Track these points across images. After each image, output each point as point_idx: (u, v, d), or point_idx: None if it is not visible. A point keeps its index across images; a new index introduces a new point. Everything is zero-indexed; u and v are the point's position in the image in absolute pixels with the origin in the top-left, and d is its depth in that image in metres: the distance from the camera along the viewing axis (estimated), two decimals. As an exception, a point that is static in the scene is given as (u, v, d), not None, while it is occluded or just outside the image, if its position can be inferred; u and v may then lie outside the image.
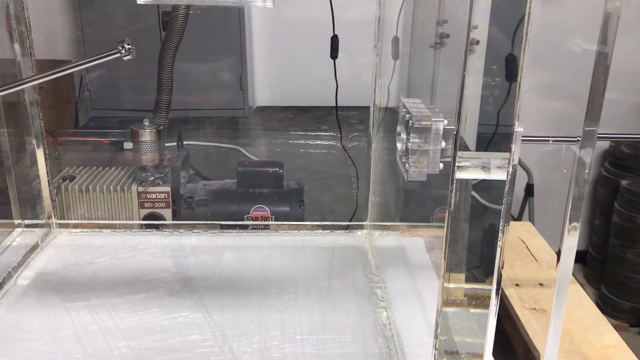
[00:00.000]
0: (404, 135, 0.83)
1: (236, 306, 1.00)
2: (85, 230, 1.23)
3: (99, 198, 1.52)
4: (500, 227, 0.57)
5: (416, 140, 0.79)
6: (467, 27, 0.52)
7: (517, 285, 1.16)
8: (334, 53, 1.30)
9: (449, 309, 0.68)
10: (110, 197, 1.52)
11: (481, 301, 0.84)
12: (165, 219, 1.54)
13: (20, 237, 1.17)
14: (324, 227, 1.29)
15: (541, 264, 1.27)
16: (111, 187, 1.52)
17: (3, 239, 1.14)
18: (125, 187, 1.52)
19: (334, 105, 3.36)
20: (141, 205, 1.53)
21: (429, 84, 1.56)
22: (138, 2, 1.09)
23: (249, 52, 3.32)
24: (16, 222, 1.17)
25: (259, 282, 1.08)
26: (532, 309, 1.08)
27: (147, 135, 1.48)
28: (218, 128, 3.20)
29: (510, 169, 0.55)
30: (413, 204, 1.39)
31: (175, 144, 1.83)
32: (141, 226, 1.32)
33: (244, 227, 1.40)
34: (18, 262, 1.07)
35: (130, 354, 0.87)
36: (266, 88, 3.59)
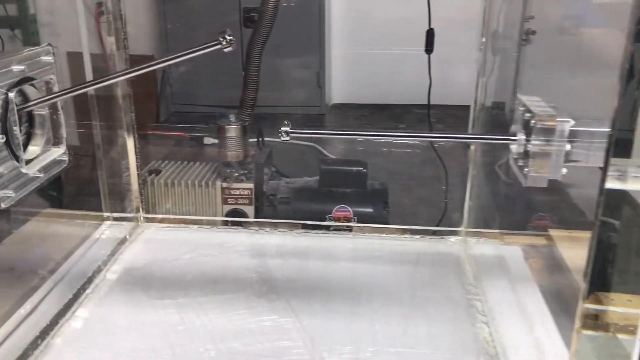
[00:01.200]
0: (521, 136, 0.76)
1: (325, 312, 0.95)
2: (171, 225, 1.22)
3: (183, 193, 1.52)
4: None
5: (538, 142, 0.72)
6: None
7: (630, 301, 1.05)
8: (429, 47, 1.23)
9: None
10: (194, 192, 1.51)
11: (596, 322, 0.76)
12: (248, 216, 1.52)
13: (109, 230, 1.17)
14: (412, 232, 1.22)
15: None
16: (196, 182, 1.51)
17: (92, 232, 1.14)
18: (210, 183, 1.51)
19: (412, 103, 3.26)
20: (224, 201, 1.52)
21: (525, 81, 1.46)
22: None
23: (327, 49, 3.29)
24: (105, 214, 1.18)
25: (348, 287, 1.02)
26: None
27: (232, 131, 1.46)
28: (294, 125, 3.18)
29: (675, 180, 0.47)
30: (510, 210, 1.30)
31: (255, 140, 1.82)
32: (225, 223, 1.30)
33: (326, 228, 1.35)
34: (107, 256, 1.07)
35: (219, 358, 0.83)
36: (342, 85, 3.55)
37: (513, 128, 0.79)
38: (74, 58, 3.37)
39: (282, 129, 0.86)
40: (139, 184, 1.20)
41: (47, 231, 1.25)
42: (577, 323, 0.55)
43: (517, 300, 1.00)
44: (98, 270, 1.04)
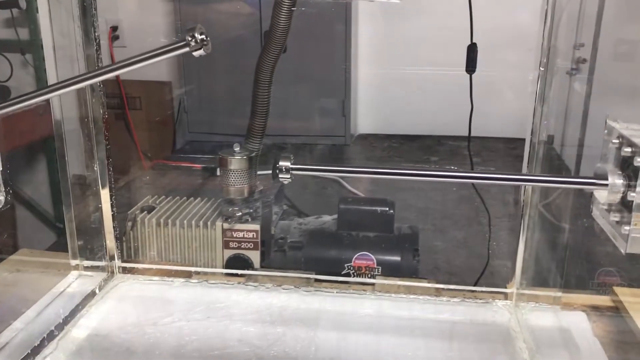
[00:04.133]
0: (618, 181, 0.52)
1: (335, 407, 0.72)
2: (154, 278, 1.00)
3: (178, 234, 1.30)
4: None
5: (650, 191, 0.48)
6: None
7: None
8: (470, 66, 1.01)
9: None
10: (191, 234, 1.30)
11: None
12: (252, 263, 1.30)
13: (76, 281, 0.96)
14: (450, 292, 0.98)
15: None
16: (192, 222, 1.30)
17: (55, 284, 0.93)
18: (209, 223, 1.29)
19: (446, 134, 3.01)
20: (226, 245, 1.30)
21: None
22: None
23: (353, 76, 3.09)
24: (73, 262, 0.97)
25: (367, 369, 0.79)
26: None
27: (236, 163, 1.25)
28: (317, 156, 2.97)
29: None
30: (570, 266, 1.05)
31: (269, 172, 1.60)
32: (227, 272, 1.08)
33: (344, 283, 1.11)
34: (64, 318, 0.85)
35: None
36: (369, 114, 3.34)
37: (601, 168, 0.56)
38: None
39: (281, 163, 0.64)
40: (115, 227, 0.98)
41: (10, 279, 1.04)
42: None
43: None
44: (50, 337, 0.82)
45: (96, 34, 0.90)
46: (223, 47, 2.91)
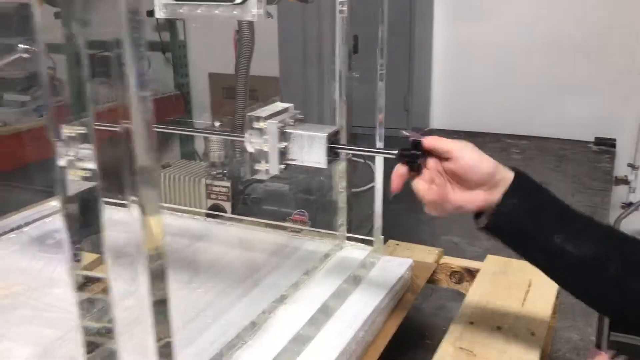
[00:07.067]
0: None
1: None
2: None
3: (176, 185, 1.78)
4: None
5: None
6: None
7: (471, 323, 1.05)
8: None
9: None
10: (183, 186, 1.77)
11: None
12: (226, 211, 1.74)
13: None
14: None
15: (524, 308, 1.11)
16: (187, 177, 1.77)
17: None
18: (197, 179, 1.76)
19: (505, 133, 3.11)
20: (207, 196, 1.75)
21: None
22: (156, 17, 1.30)
23: (428, 72, 3.31)
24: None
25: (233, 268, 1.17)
26: (460, 348, 0.98)
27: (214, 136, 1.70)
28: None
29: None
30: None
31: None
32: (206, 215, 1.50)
33: (283, 228, 1.49)
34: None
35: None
36: (444, 110, 3.53)
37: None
38: (214, 78, 3.73)
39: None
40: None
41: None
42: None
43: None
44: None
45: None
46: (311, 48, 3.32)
